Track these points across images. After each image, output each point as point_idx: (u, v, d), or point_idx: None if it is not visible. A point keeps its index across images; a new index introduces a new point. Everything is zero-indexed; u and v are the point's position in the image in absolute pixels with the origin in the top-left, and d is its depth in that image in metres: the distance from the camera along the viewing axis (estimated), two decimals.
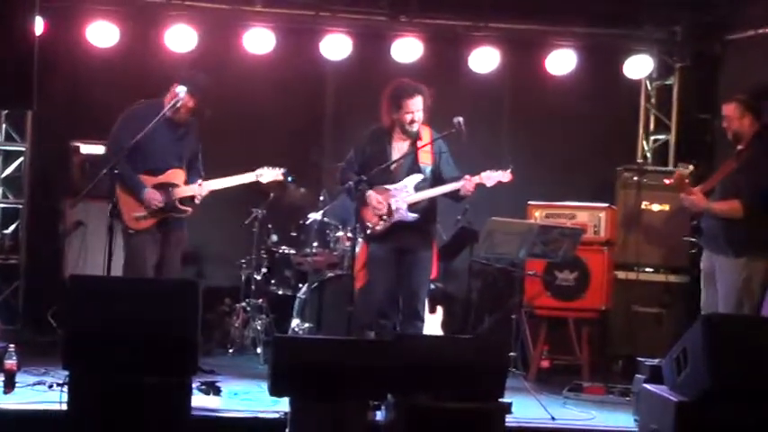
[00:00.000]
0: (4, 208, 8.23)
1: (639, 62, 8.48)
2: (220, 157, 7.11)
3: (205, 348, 7.33)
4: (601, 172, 8.44)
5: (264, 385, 5.33)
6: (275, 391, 5.01)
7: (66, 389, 4.80)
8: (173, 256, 6.65)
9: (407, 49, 8.26)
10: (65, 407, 4.80)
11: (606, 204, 7.78)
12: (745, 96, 6.42)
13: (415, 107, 6.29)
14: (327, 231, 7.70)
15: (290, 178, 7.09)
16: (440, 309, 7.44)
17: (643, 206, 7.98)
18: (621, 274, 7.88)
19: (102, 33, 7.96)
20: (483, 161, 6.47)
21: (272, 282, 7.83)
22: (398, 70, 7.84)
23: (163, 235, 6.59)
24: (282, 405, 5.16)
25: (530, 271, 7.36)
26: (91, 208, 7.60)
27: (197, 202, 6.64)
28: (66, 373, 4.83)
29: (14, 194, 8.25)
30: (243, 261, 7.84)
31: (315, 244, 7.60)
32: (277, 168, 6.77)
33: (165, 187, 6.56)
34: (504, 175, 6.29)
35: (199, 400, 5.65)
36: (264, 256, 7.85)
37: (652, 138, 8.90)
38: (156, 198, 6.49)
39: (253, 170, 6.71)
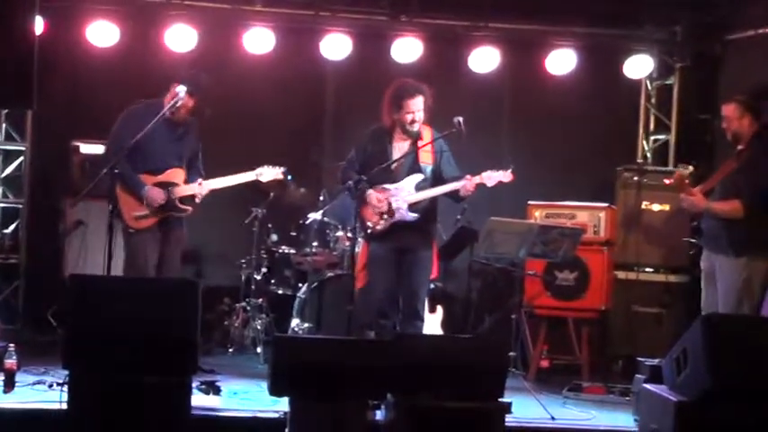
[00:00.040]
0: (4, 207, 8.23)
1: (640, 62, 8.48)
2: (220, 157, 7.11)
3: (205, 348, 7.33)
4: (601, 172, 8.44)
5: (264, 385, 5.33)
6: (275, 390, 5.01)
7: (66, 388, 4.80)
8: (173, 255, 6.65)
9: (407, 48, 8.26)
10: (65, 406, 4.80)
11: (606, 204, 7.78)
12: (744, 97, 6.42)
13: (416, 107, 6.29)
14: (327, 231, 7.71)
15: (289, 178, 7.09)
16: (440, 308, 7.44)
17: (643, 206, 7.98)
18: (621, 274, 7.88)
19: (103, 33, 7.96)
20: (483, 161, 6.47)
21: (272, 281, 7.83)
22: (398, 70, 7.85)
23: (163, 234, 6.59)
24: (282, 405, 5.16)
25: (530, 271, 7.36)
26: (91, 207, 7.61)
27: (197, 201, 6.64)
28: (66, 372, 4.83)
29: (14, 194, 8.25)
30: (243, 261, 7.84)
31: (315, 243, 7.60)
32: (277, 168, 6.77)
33: (165, 186, 6.55)
34: (505, 175, 6.28)
35: (199, 399, 5.65)
36: (264, 255, 7.85)
37: (652, 138, 8.90)
38: (157, 196, 6.49)
39: (253, 169, 6.71)
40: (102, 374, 4.76)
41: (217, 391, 6.00)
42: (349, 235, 7.03)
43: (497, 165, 6.31)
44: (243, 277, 7.84)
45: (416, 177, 6.36)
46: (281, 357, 4.99)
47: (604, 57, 8.53)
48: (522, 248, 6.49)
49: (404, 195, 6.33)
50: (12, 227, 8.17)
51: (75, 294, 4.95)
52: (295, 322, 7.46)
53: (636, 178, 7.99)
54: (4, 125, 8.15)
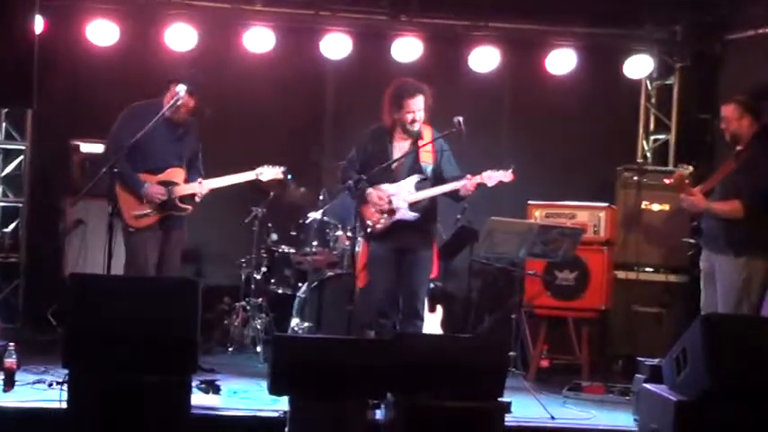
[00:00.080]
0: (4, 206, 8.23)
1: (639, 62, 8.47)
2: (220, 156, 7.11)
3: (205, 347, 7.33)
4: (601, 172, 8.44)
5: (264, 384, 5.32)
6: (275, 389, 5.00)
7: (65, 387, 4.80)
8: (173, 254, 6.65)
9: (407, 48, 8.26)
10: (65, 405, 4.80)
11: (606, 204, 7.78)
12: (743, 97, 6.42)
13: (417, 106, 6.29)
14: (327, 230, 7.71)
15: (289, 177, 7.10)
16: (440, 308, 7.44)
17: (643, 206, 7.98)
18: (621, 274, 7.89)
19: (102, 32, 7.96)
20: (483, 161, 6.47)
21: (272, 281, 7.83)
22: (398, 70, 7.84)
23: (163, 233, 6.59)
24: (282, 404, 5.16)
25: (530, 270, 7.36)
26: (91, 206, 7.61)
27: (197, 200, 6.63)
28: (66, 371, 4.83)
29: (14, 193, 8.25)
30: (243, 260, 7.85)
31: (314, 243, 7.60)
32: (277, 167, 6.78)
33: (164, 186, 6.55)
34: (506, 175, 6.27)
35: (198, 398, 5.65)
36: (264, 255, 7.85)
37: (652, 137, 8.90)
38: (157, 192, 6.48)
39: (253, 169, 6.71)
40: (102, 373, 4.76)
41: (216, 390, 6.00)
42: (349, 234, 7.03)
43: (497, 164, 6.31)
44: (243, 276, 7.85)
45: (417, 177, 6.36)
46: (281, 357, 4.99)
47: (604, 56, 8.53)
48: (522, 248, 6.49)
49: (404, 195, 6.33)
50: (12, 226, 8.18)
51: (75, 293, 4.95)
52: (295, 322, 7.46)
53: (636, 178, 7.99)
54: (4, 124, 8.15)
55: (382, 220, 6.32)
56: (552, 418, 5.92)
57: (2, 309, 7.73)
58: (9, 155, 8.23)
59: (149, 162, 6.54)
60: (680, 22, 8.50)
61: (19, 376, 5.75)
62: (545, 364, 7.45)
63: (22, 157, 8.20)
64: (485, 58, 8.35)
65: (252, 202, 7.73)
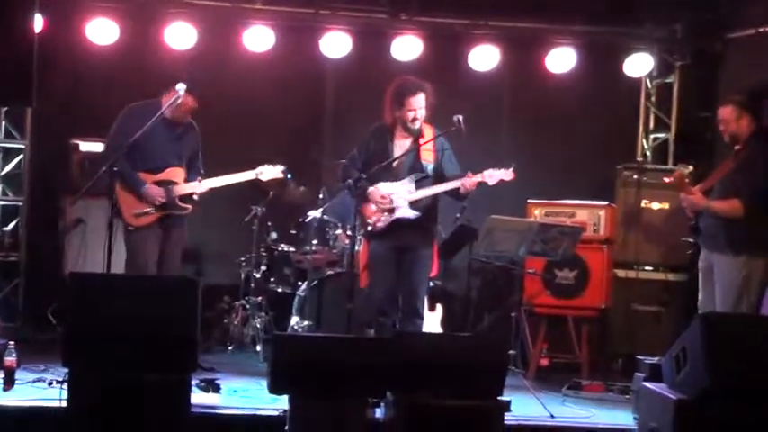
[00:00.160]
0: (3, 205, 8.23)
1: (639, 60, 8.47)
2: (220, 155, 7.11)
3: (205, 346, 7.33)
4: (601, 170, 8.44)
5: (264, 383, 5.33)
6: (275, 388, 5.01)
7: (65, 386, 4.81)
8: (173, 253, 6.65)
9: (407, 47, 8.26)
10: (65, 404, 4.80)
11: (606, 203, 7.78)
12: (740, 97, 6.41)
13: (418, 104, 6.28)
14: (327, 229, 7.71)
15: (289, 176, 7.10)
16: (439, 306, 7.44)
17: (643, 204, 7.99)
18: (621, 273, 7.89)
19: (102, 31, 7.95)
20: (483, 159, 6.46)
21: (272, 279, 7.83)
22: (398, 68, 7.83)
23: (164, 232, 6.59)
24: (282, 402, 5.15)
25: (529, 269, 7.36)
26: (90, 205, 7.61)
27: (196, 198, 6.63)
28: (66, 370, 4.83)
29: (14, 192, 8.25)
30: (242, 259, 7.85)
31: (314, 242, 7.60)
32: (277, 166, 6.78)
33: (164, 185, 6.55)
34: (507, 174, 6.25)
35: (198, 397, 5.66)
36: (264, 253, 7.85)
37: (652, 136, 8.90)
38: (157, 193, 6.49)
39: (253, 168, 6.72)
40: (102, 372, 4.76)
41: (216, 388, 6.01)
42: (348, 233, 7.03)
43: (497, 163, 6.30)
44: (242, 275, 7.85)
45: (417, 175, 6.36)
46: (281, 355, 4.99)
47: (604, 55, 8.52)
48: (522, 247, 6.49)
49: (405, 193, 6.32)
50: (11, 225, 8.17)
51: (74, 292, 4.96)
52: (295, 320, 7.46)
53: (635, 177, 7.99)
54: (3, 123, 8.15)
55: (382, 219, 6.32)
56: (552, 416, 5.92)
57: (2, 307, 7.73)
58: (9, 154, 8.22)
59: (149, 161, 6.54)
60: (680, 20, 8.50)
61: (19, 375, 5.76)
62: (545, 362, 7.45)
63: (21, 156, 8.20)
64: (484, 57, 8.35)
65: (252, 201, 7.73)
